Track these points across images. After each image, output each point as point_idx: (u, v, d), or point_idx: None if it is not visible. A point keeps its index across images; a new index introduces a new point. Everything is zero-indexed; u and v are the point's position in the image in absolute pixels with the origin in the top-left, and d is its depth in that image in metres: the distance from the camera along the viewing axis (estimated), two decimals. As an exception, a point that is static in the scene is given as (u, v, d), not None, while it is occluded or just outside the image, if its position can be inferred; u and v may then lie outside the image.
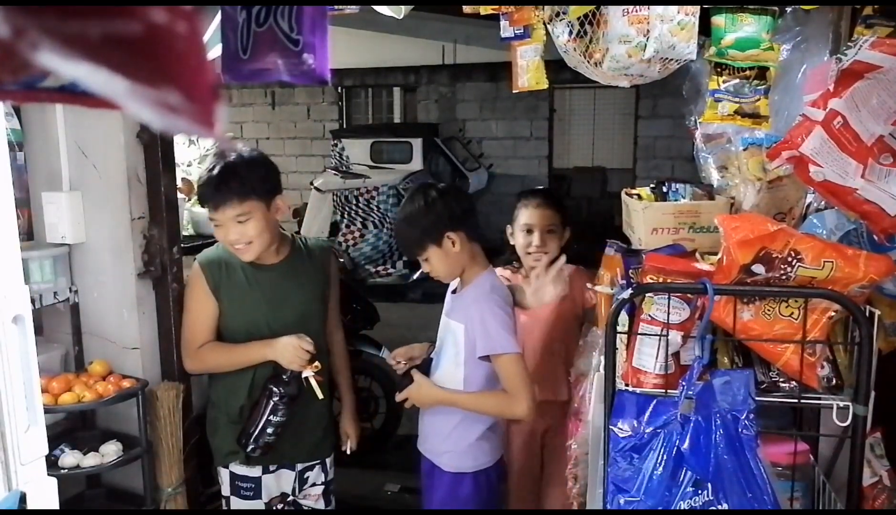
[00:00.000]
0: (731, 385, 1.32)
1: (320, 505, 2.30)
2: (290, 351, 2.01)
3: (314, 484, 2.28)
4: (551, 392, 2.36)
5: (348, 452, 2.35)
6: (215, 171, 1.97)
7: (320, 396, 2.05)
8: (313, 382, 2.02)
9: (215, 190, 1.96)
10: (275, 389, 2.01)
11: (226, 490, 2.17)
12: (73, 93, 0.35)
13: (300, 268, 2.19)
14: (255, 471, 2.14)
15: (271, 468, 2.17)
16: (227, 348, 2.10)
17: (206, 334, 2.11)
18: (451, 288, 2.18)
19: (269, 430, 2.02)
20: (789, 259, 1.32)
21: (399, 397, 2.10)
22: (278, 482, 2.19)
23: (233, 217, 1.97)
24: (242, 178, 1.97)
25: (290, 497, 2.24)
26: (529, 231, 2.39)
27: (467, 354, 2.02)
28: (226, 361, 2.11)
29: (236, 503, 2.15)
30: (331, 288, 2.31)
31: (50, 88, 0.36)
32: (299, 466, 2.22)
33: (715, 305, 1.37)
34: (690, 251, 1.63)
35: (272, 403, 2.01)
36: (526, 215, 2.41)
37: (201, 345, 2.11)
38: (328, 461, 2.30)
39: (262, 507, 2.16)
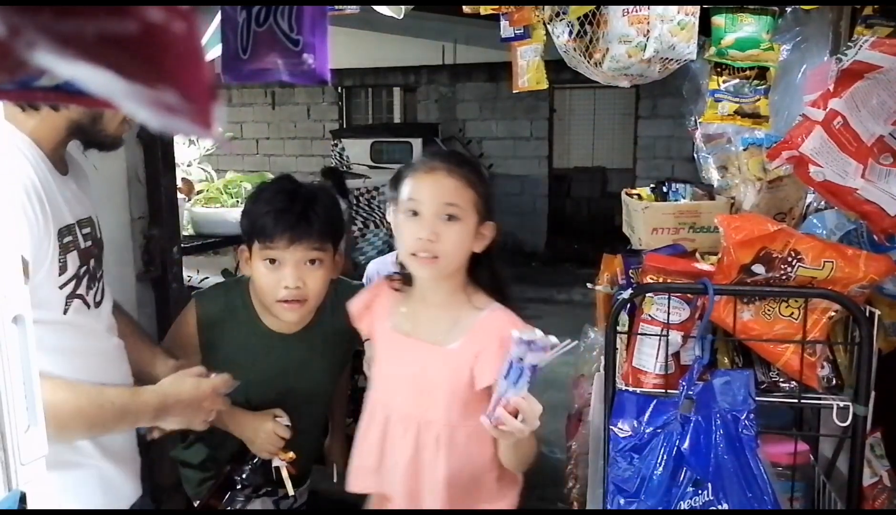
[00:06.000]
0: (731, 385, 1.32)
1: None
2: (263, 436, 1.61)
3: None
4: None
5: (335, 479, 2.05)
6: (297, 196, 1.60)
7: (291, 492, 1.68)
8: (284, 474, 1.64)
9: (296, 221, 1.57)
10: (236, 478, 1.63)
11: None
12: (69, 93, 0.35)
13: (325, 334, 1.72)
14: None
15: None
16: None
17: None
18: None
19: None
20: (789, 259, 1.32)
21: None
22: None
23: (303, 258, 1.59)
24: (326, 211, 1.62)
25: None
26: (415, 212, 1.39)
27: None
28: None
29: None
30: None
31: (45, 87, 0.36)
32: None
33: (715, 305, 1.37)
34: (690, 251, 1.63)
35: (229, 493, 1.63)
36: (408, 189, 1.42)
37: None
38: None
39: None
